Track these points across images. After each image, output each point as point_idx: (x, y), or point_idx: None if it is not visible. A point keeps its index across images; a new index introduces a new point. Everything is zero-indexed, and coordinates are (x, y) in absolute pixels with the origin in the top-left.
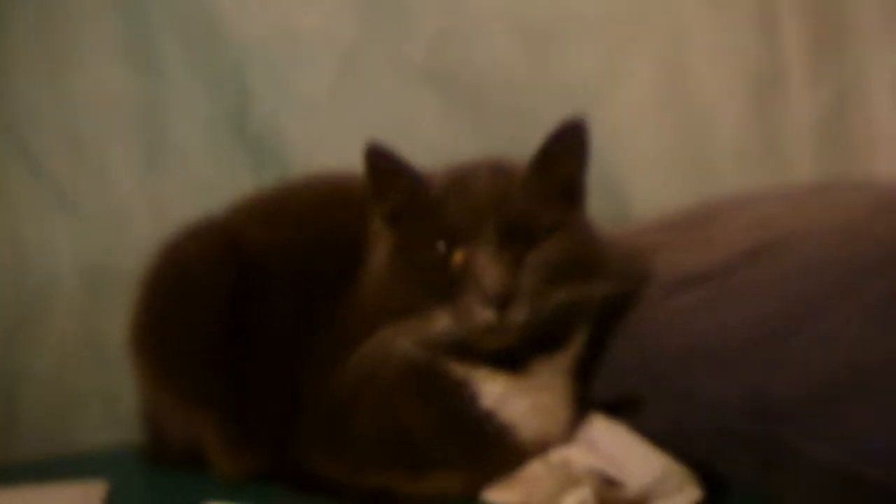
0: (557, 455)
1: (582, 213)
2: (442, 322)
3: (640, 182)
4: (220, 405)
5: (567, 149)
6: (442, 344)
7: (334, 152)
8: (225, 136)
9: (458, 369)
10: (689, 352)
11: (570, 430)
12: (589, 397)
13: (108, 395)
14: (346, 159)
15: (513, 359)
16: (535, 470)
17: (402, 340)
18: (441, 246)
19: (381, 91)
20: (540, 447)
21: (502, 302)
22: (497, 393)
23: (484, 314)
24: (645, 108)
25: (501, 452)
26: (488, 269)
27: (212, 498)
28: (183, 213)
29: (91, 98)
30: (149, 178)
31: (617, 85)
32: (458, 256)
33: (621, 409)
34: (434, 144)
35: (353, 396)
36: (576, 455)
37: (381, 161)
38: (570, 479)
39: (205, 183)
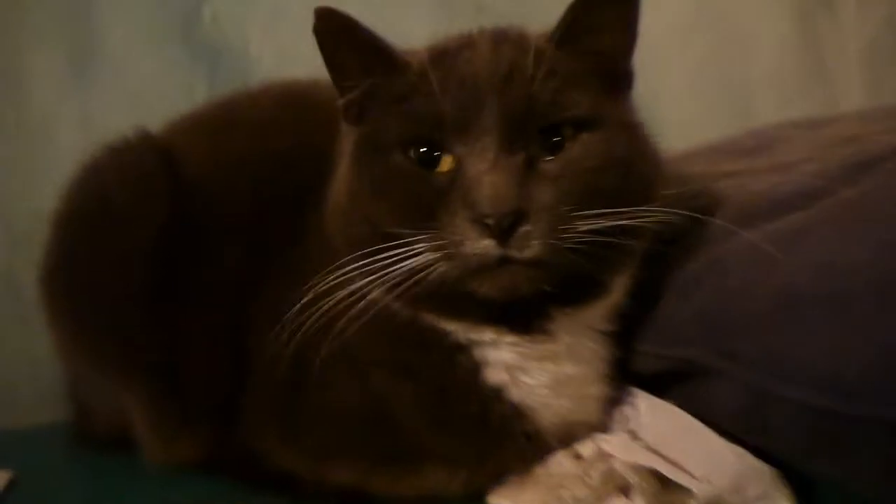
0: (590, 447)
1: (629, 106)
2: (421, 256)
3: (667, 112)
4: (148, 372)
5: (608, 9)
6: (425, 290)
7: (306, 67)
8: (169, 42)
9: (453, 328)
10: (783, 298)
11: (607, 412)
12: (632, 367)
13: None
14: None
15: (527, 313)
16: (560, 467)
17: (369, 283)
18: (420, 145)
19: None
20: (565, 435)
21: (506, 225)
22: (507, 362)
23: (479, 243)
24: (674, 28)
25: (513, 443)
26: (486, 176)
27: (135, 491)
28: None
29: None
30: (74, 89)
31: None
32: (445, 161)
33: (678, 382)
34: None
35: (316, 363)
36: (617, 447)
37: (338, 30)
38: (609, 481)
39: (143, 98)
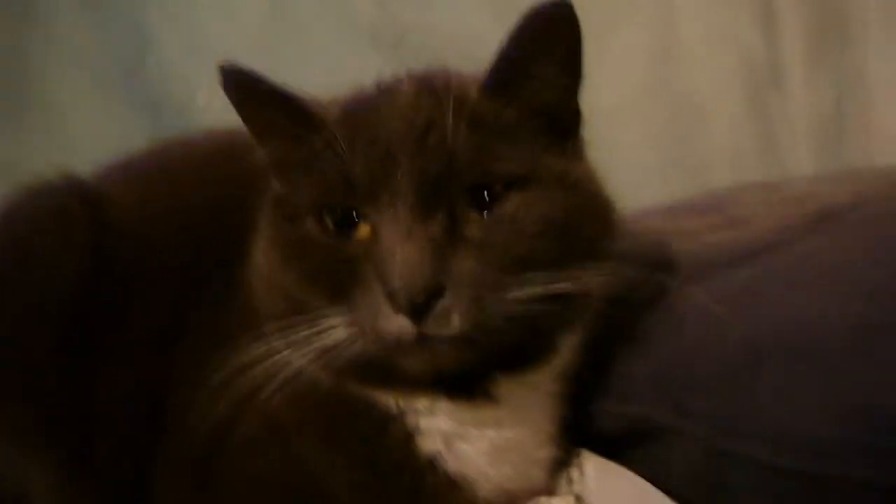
0: None
1: (576, 154)
2: (335, 332)
3: (623, 176)
4: (55, 448)
5: (544, 50)
6: (346, 364)
7: None
8: (109, 89)
9: (383, 398)
10: (743, 352)
11: (552, 477)
12: (583, 427)
13: None
14: None
15: (467, 380)
16: None
17: (291, 353)
18: (333, 212)
19: (317, 42)
20: (506, 502)
21: (420, 302)
22: (442, 430)
23: (393, 322)
24: (632, 97)
25: None
26: (399, 247)
27: None
28: None
29: None
30: (2, 132)
31: (601, 70)
32: (362, 229)
33: (633, 444)
34: None
35: (234, 429)
36: None
37: (243, 87)
38: None
39: (78, 146)
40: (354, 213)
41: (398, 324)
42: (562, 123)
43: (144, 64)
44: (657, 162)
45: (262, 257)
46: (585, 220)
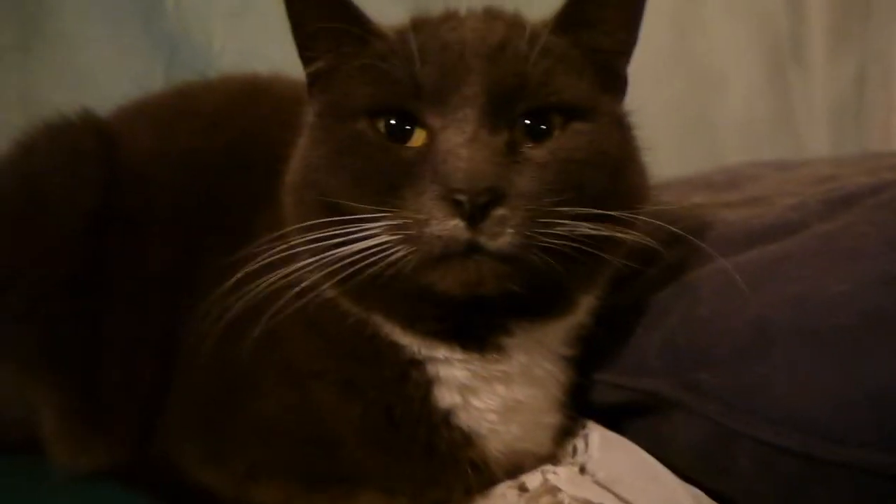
0: (537, 479)
1: (622, 110)
2: (377, 238)
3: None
4: (64, 370)
5: (616, 4)
6: (374, 281)
7: (271, 66)
8: (127, 26)
9: (407, 341)
10: (757, 331)
11: (558, 442)
12: (588, 396)
13: None
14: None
15: (484, 323)
16: (503, 499)
17: (316, 259)
18: (390, 115)
19: None
20: (512, 465)
21: (480, 204)
22: (459, 380)
23: (446, 223)
24: (652, 64)
25: (458, 472)
26: (463, 149)
27: (40, 500)
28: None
29: None
30: (17, 65)
31: None
32: (417, 136)
33: (637, 415)
34: None
35: (248, 370)
36: (564, 481)
37: None
38: None
39: (93, 82)
40: (410, 119)
41: (451, 225)
42: (614, 78)
43: (163, 2)
44: (673, 130)
45: (301, 167)
46: (633, 166)
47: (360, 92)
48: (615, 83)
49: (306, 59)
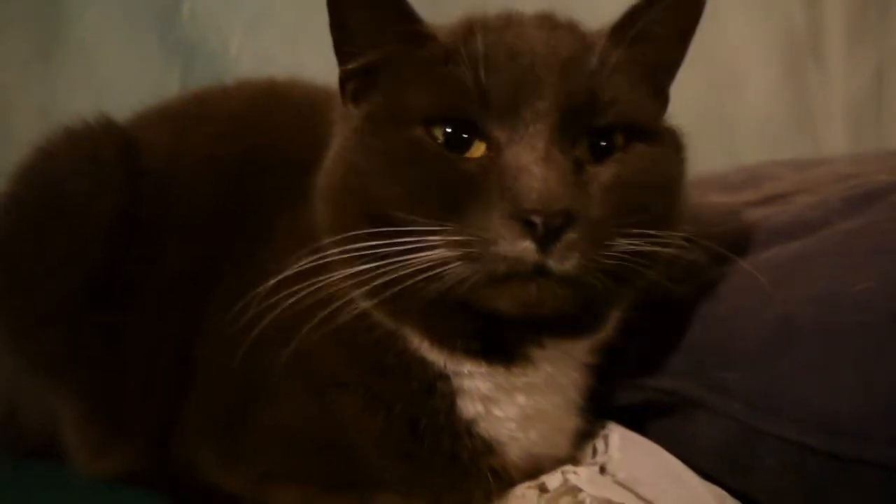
0: (557, 479)
1: (677, 128)
2: (435, 252)
3: None
4: (85, 375)
5: (673, 17)
6: (423, 298)
7: (287, 72)
8: (144, 35)
9: (435, 356)
10: (779, 330)
11: (576, 445)
12: (610, 397)
13: None
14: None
15: (519, 339)
16: (523, 500)
17: (353, 281)
18: (448, 124)
19: None
20: (531, 469)
21: (554, 227)
22: (482, 393)
23: (516, 245)
24: None
25: (479, 478)
26: (536, 167)
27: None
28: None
29: None
30: (37, 75)
31: None
32: (477, 147)
33: (658, 415)
34: None
35: (268, 377)
36: (585, 481)
37: None
38: None
39: (111, 91)
40: (471, 128)
41: (521, 248)
42: (661, 95)
43: (179, 9)
44: (690, 128)
45: (342, 174)
46: (682, 185)
47: (418, 96)
48: (661, 98)
49: (345, 55)
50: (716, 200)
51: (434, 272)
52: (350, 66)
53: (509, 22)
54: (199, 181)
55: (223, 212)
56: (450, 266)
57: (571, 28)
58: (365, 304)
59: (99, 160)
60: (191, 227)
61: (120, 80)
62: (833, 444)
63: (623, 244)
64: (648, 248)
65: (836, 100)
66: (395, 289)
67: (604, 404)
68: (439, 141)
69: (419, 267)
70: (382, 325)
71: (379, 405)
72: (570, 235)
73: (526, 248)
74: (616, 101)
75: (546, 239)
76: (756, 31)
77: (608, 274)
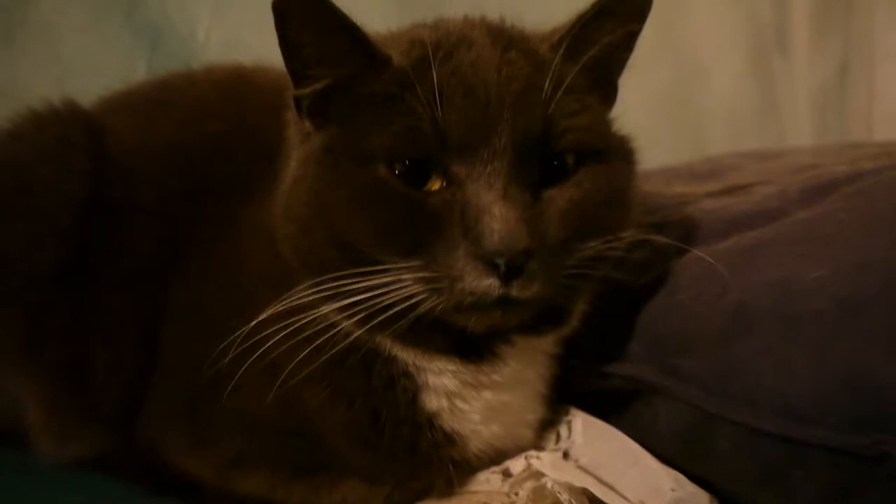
0: (520, 464)
1: (626, 136)
2: (406, 289)
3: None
4: (50, 361)
5: (620, 21)
6: (400, 323)
7: (255, 56)
8: (109, 16)
9: (404, 355)
10: (735, 316)
11: (541, 432)
12: (573, 383)
13: None
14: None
15: (489, 342)
16: (486, 484)
17: (331, 308)
18: (408, 160)
19: None
20: (493, 460)
21: (516, 266)
22: (447, 389)
23: (481, 282)
24: (636, 54)
25: (439, 468)
26: (496, 208)
27: (24, 491)
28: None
29: None
30: (2, 55)
31: None
32: (434, 181)
33: (619, 402)
34: None
35: (233, 368)
36: (548, 465)
37: (305, 7)
38: (539, 499)
39: (76, 72)
40: (430, 165)
41: (486, 284)
42: (610, 88)
43: None
44: (657, 119)
45: (308, 204)
46: (632, 189)
47: (379, 134)
48: (610, 93)
49: (297, 78)
50: (679, 190)
51: (407, 304)
52: (306, 91)
53: (461, 42)
54: (164, 166)
55: (188, 197)
56: (420, 297)
57: (522, 43)
58: (334, 317)
59: (65, 144)
60: (156, 212)
61: (84, 62)
62: (785, 427)
63: (579, 256)
64: (604, 253)
65: (801, 92)
66: (379, 318)
67: (568, 391)
68: (398, 175)
69: (395, 300)
70: (352, 334)
71: (341, 398)
72: (531, 267)
73: (490, 284)
74: (569, 129)
75: (509, 275)
76: (722, 24)
77: (565, 285)
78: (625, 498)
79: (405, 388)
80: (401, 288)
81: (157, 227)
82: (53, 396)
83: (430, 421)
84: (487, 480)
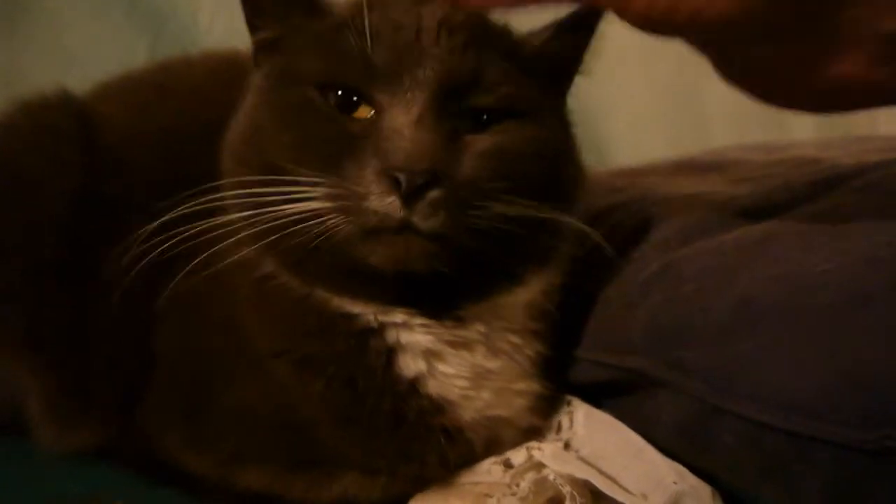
0: (521, 455)
1: (564, 107)
2: (313, 202)
3: (624, 136)
4: (49, 354)
5: (576, 37)
6: (303, 249)
7: None
8: (112, 4)
9: (359, 309)
10: (740, 309)
11: (538, 414)
12: (574, 374)
13: None
14: None
15: (433, 296)
16: (487, 475)
17: (241, 219)
18: (338, 89)
19: None
20: (489, 434)
21: (417, 184)
22: (422, 346)
23: (383, 200)
24: (638, 46)
25: (431, 440)
26: (408, 129)
27: (24, 480)
28: None
29: None
30: (2, 42)
31: (605, 17)
32: (362, 110)
33: (620, 393)
34: None
35: (218, 358)
36: (549, 457)
37: None
38: (540, 491)
39: (78, 59)
40: (358, 93)
41: (387, 202)
42: (564, 78)
43: None
44: (661, 112)
45: (244, 122)
46: (570, 162)
47: (311, 64)
48: (565, 81)
49: (253, 27)
50: (683, 183)
51: (311, 222)
52: (259, 37)
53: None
54: (159, 155)
55: (182, 186)
56: (325, 216)
57: (466, 15)
58: (269, 267)
59: (57, 136)
60: (151, 202)
61: (88, 50)
62: (790, 421)
63: (496, 208)
64: (523, 213)
65: None
66: (278, 235)
67: (569, 381)
68: (332, 103)
69: (298, 216)
70: (293, 286)
71: (313, 369)
72: (434, 194)
73: (392, 203)
74: (500, 85)
75: (410, 196)
76: None
77: (482, 235)
78: (626, 490)
79: (378, 351)
80: (307, 202)
81: (150, 218)
82: (54, 388)
83: (413, 387)
84: (488, 471)
